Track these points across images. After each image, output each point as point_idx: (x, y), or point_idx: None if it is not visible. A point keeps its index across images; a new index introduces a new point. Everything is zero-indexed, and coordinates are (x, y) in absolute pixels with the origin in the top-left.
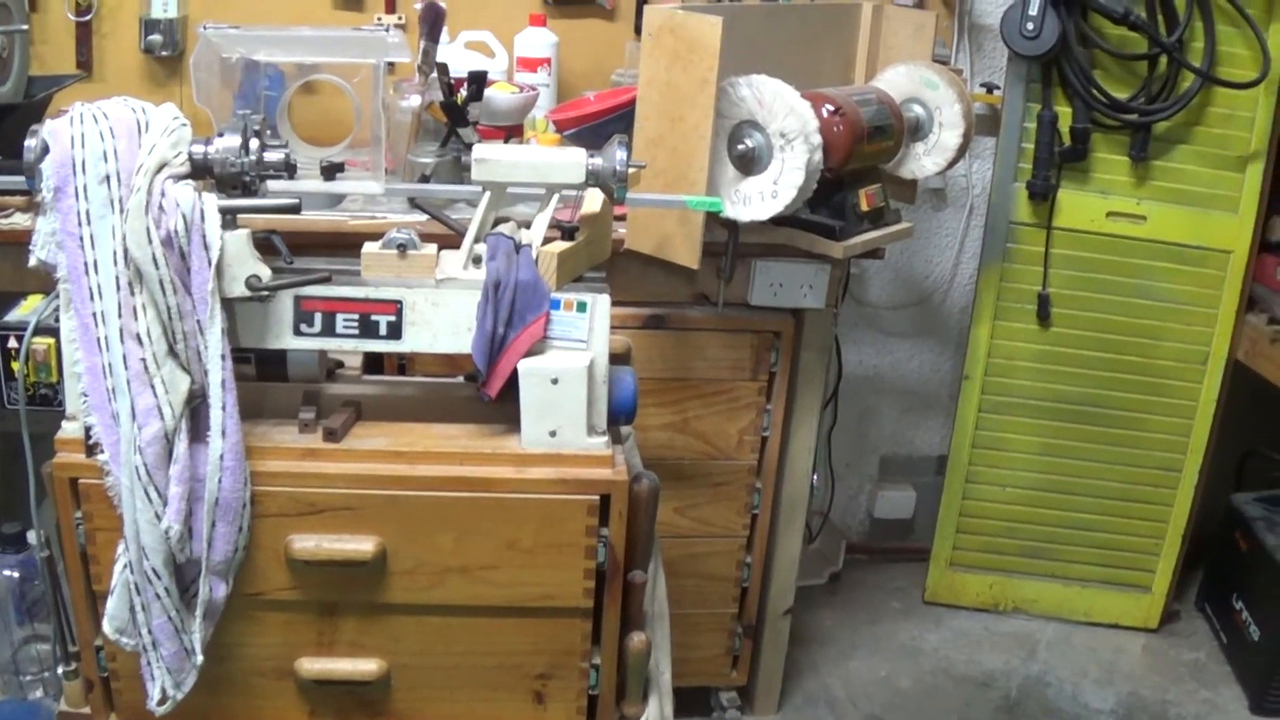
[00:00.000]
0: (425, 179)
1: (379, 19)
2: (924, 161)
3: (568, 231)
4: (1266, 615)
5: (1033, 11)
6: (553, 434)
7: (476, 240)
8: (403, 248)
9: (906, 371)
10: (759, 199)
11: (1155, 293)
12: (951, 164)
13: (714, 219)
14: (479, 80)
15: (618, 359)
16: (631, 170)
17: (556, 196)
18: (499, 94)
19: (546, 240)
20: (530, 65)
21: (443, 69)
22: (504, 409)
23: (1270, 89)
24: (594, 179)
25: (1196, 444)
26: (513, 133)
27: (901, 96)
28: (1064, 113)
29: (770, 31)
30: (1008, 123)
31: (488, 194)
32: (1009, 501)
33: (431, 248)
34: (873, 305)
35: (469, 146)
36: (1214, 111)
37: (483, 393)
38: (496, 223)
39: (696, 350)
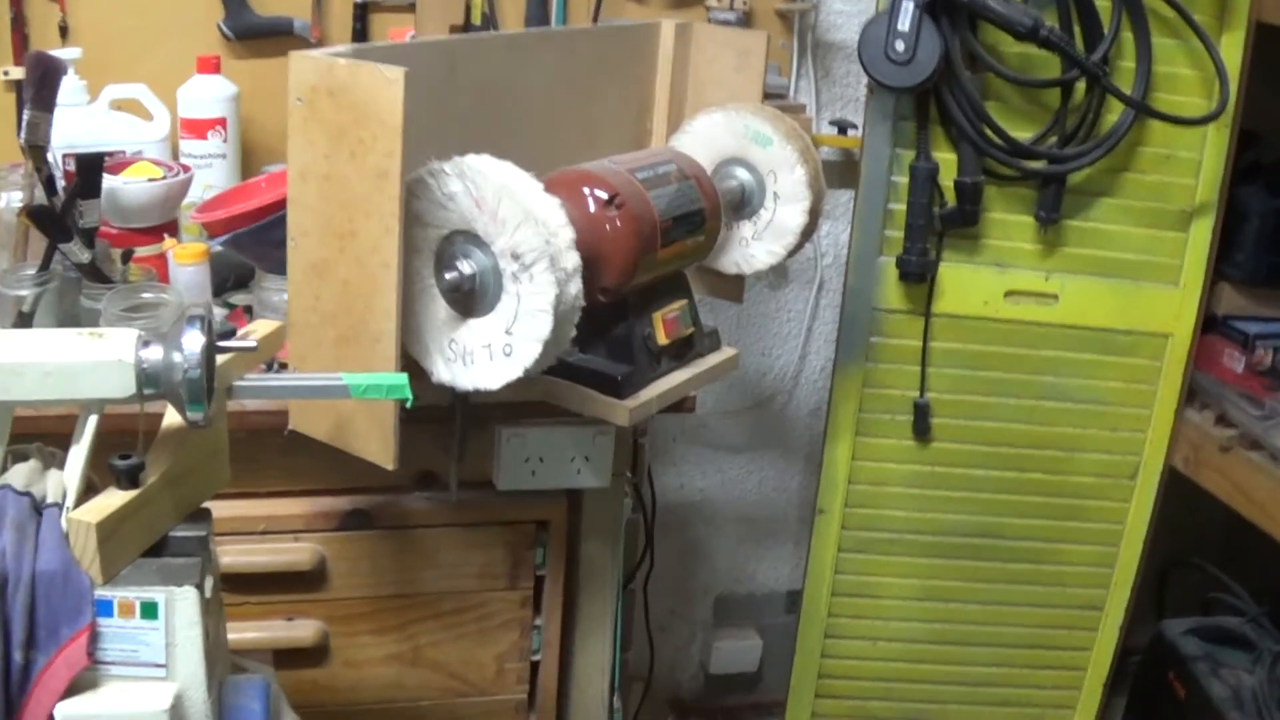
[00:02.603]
0: (24, 318)
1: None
2: (753, 249)
3: (125, 473)
4: None
5: (903, 26)
6: None
7: None
8: None
9: (743, 493)
10: (485, 357)
11: (1070, 392)
12: (793, 251)
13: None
14: (89, 167)
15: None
16: (232, 356)
17: (94, 419)
18: (129, 182)
19: (88, 491)
20: (198, 130)
21: (38, 154)
22: None
23: (1223, 121)
24: (153, 386)
25: (1123, 575)
26: (156, 236)
27: (718, 158)
28: (946, 161)
29: (515, 76)
30: (869, 176)
31: None
32: (881, 658)
33: None
34: (695, 413)
35: (83, 267)
36: (1148, 153)
37: None
38: (14, 458)
39: (424, 555)
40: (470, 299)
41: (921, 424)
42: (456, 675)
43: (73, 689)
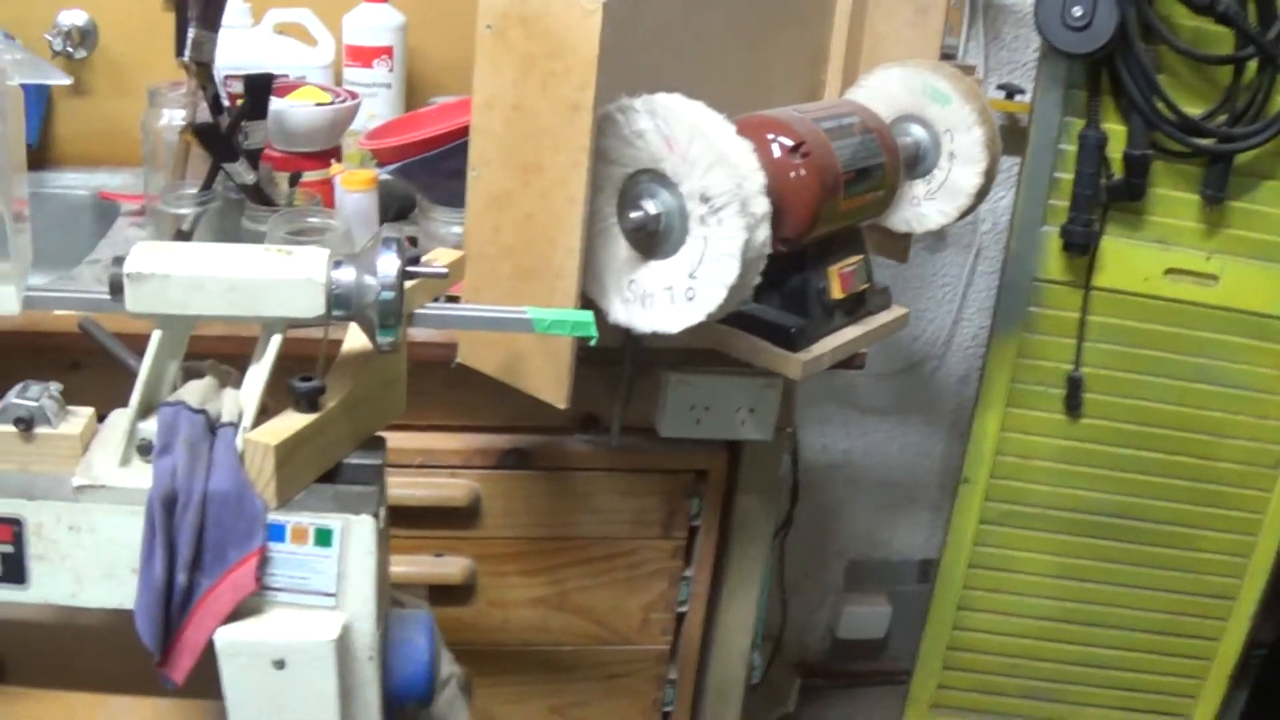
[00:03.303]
0: (182, 235)
1: None
2: (925, 208)
3: (304, 395)
4: None
5: None
6: None
7: (145, 412)
8: (25, 422)
9: (885, 457)
10: (666, 300)
11: (1223, 376)
12: (965, 213)
13: None
14: (258, 88)
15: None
16: (417, 283)
17: (278, 338)
18: (294, 105)
19: (261, 414)
20: (363, 57)
21: (204, 72)
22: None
23: None
24: (344, 308)
25: (1259, 565)
26: (319, 162)
27: (894, 114)
28: (1116, 132)
29: (693, 18)
30: (1037, 143)
31: (159, 333)
32: (1012, 633)
33: (79, 419)
34: (844, 374)
35: (248, 189)
36: None
37: (163, 676)
38: (186, 375)
39: (579, 498)
40: (653, 240)
41: (1074, 399)
42: (601, 622)
43: (236, 614)
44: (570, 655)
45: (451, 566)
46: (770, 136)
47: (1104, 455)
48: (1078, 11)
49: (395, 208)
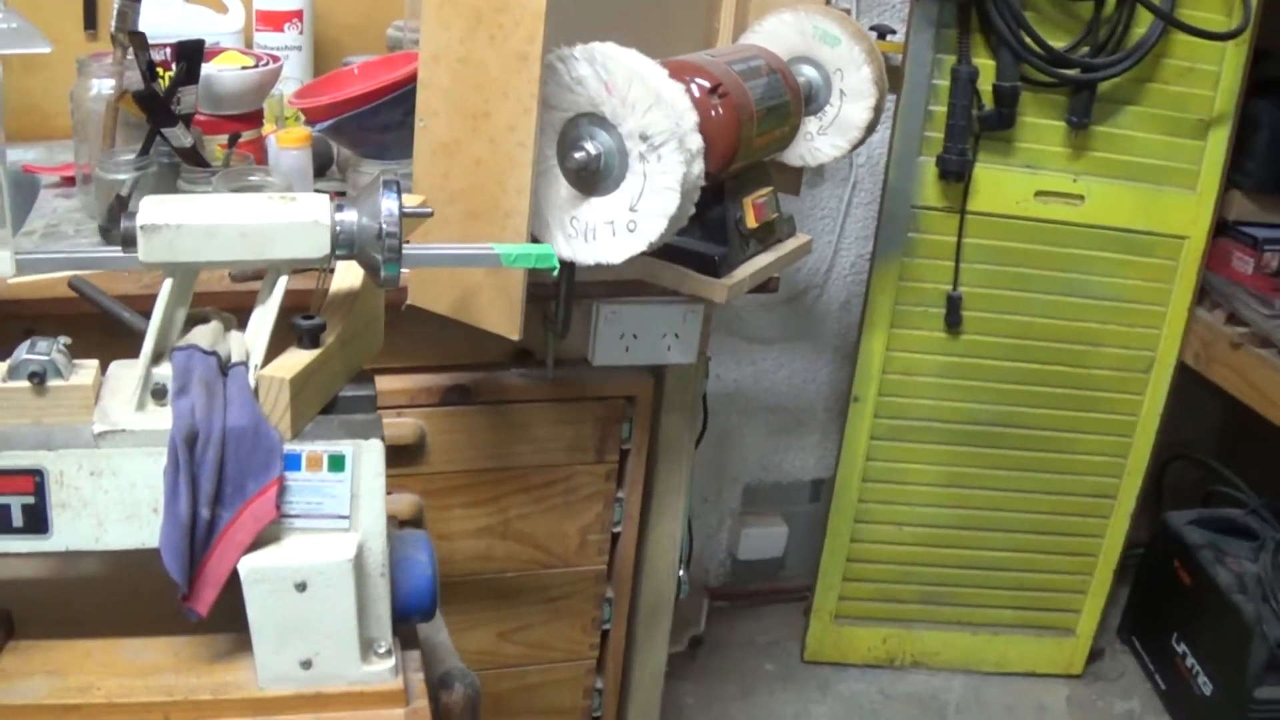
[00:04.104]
0: (122, 202)
1: None
2: (818, 143)
3: (308, 332)
4: (1223, 668)
5: None
6: (306, 664)
7: (157, 358)
8: (39, 376)
9: (774, 384)
10: (608, 233)
11: (1093, 289)
12: (856, 146)
13: None
14: (191, 54)
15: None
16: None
17: (284, 280)
18: (223, 69)
19: (276, 351)
20: (274, 22)
21: (139, 40)
22: (234, 608)
23: (1242, 37)
24: (346, 248)
25: (1135, 464)
26: (246, 124)
27: (788, 55)
28: (985, 67)
29: None
30: (912, 80)
31: (170, 282)
32: (907, 542)
33: (88, 370)
34: (730, 306)
35: (184, 151)
36: (1171, 65)
37: (188, 609)
38: (190, 323)
39: (519, 430)
40: (594, 179)
41: (953, 316)
42: (542, 547)
43: (256, 544)
44: (514, 581)
45: (400, 503)
46: (689, 79)
47: (984, 368)
48: None
49: (315, 165)
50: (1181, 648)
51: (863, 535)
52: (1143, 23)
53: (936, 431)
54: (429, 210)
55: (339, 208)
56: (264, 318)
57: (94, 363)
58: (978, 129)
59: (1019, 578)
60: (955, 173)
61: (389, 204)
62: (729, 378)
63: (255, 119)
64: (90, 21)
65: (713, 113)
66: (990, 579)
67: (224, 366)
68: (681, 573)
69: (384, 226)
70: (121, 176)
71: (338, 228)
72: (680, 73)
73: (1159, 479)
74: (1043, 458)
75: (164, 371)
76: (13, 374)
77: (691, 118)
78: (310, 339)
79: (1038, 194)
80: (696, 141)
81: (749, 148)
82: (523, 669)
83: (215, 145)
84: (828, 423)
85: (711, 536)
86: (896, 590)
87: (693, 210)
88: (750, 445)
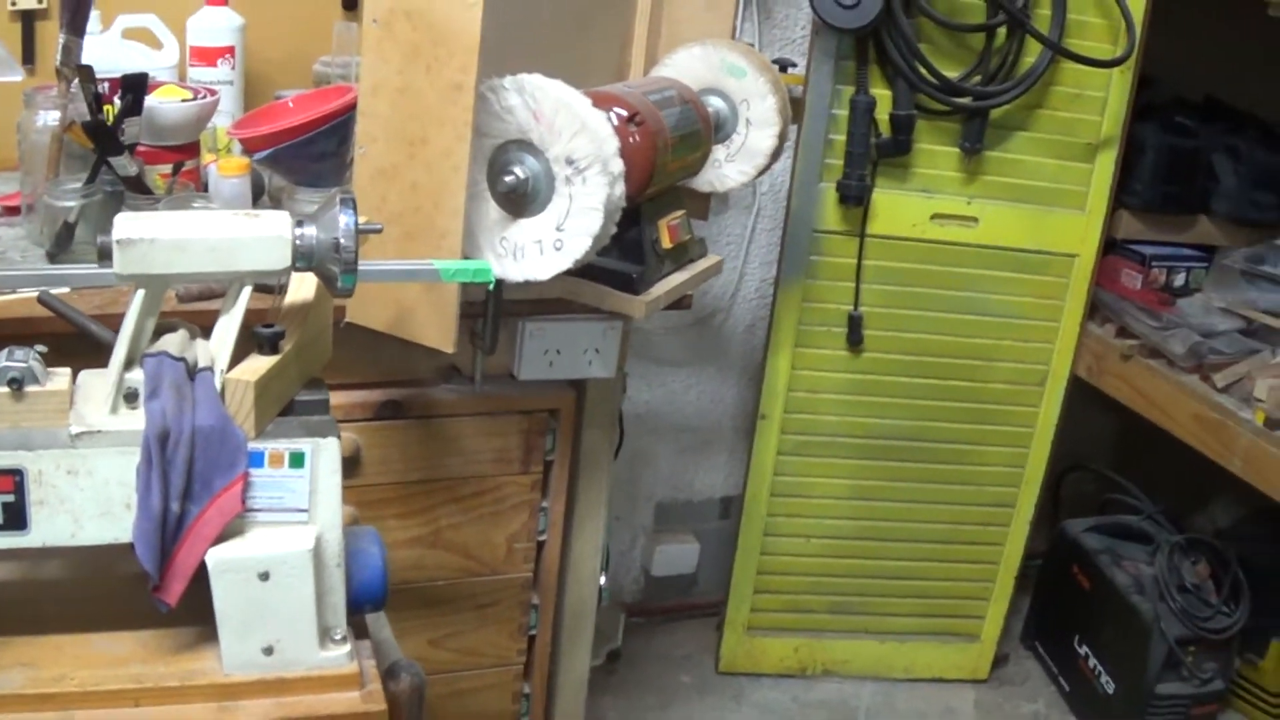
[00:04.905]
0: (69, 228)
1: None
2: (725, 170)
3: (268, 339)
4: (1123, 667)
5: None
6: (268, 651)
7: (129, 364)
8: (18, 382)
9: (683, 405)
10: (536, 252)
11: (988, 307)
12: (761, 173)
13: None
14: (136, 87)
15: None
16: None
17: (248, 290)
18: (164, 102)
19: (236, 358)
20: (207, 57)
21: (86, 73)
22: (198, 602)
23: (1127, 65)
24: (306, 260)
25: (1032, 474)
26: (185, 154)
27: (697, 87)
28: (882, 96)
29: (528, 10)
30: (813, 110)
31: (141, 293)
32: (815, 554)
33: (62, 377)
34: (641, 329)
35: (130, 180)
36: (1060, 92)
37: (158, 600)
38: (159, 332)
39: (448, 442)
40: (522, 201)
41: (855, 335)
42: (471, 555)
43: (222, 537)
44: (445, 589)
45: None
46: (609, 108)
47: (886, 384)
48: None
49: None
50: (1083, 649)
51: (772, 549)
52: (1032, 52)
53: (841, 446)
54: (379, 226)
55: (299, 223)
56: (228, 326)
57: (66, 371)
58: (876, 156)
59: (924, 586)
60: (855, 198)
61: (345, 219)
62: (640, 399)
63: (193, 149)
64: (28, 56)
65: (630, 139)
66: (896, 588)
67: (191, 371)
68: (603, 580)
69: (341, 240)
70: (69, 204)
71: (298, 241)
72: (601, 102)
73: (1056, 488)
74: (944, 470)
75: (135, 377)
76: None
77: (614, 143)
78: (270, 345)
79: (934, 217)
80: (618, 165)
81: (664, 172)
82: (454, 674)
83: (156, 174)
84: (736, 441)
85: (626, 554)
86: (806, 601)
87: (614, 230)
88: (661, 464)
